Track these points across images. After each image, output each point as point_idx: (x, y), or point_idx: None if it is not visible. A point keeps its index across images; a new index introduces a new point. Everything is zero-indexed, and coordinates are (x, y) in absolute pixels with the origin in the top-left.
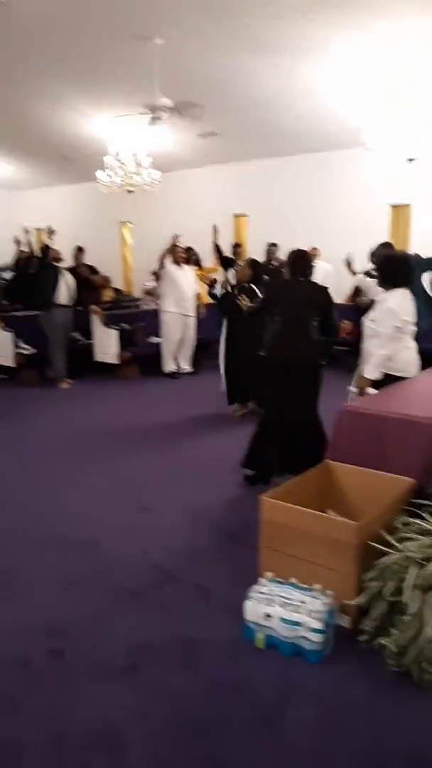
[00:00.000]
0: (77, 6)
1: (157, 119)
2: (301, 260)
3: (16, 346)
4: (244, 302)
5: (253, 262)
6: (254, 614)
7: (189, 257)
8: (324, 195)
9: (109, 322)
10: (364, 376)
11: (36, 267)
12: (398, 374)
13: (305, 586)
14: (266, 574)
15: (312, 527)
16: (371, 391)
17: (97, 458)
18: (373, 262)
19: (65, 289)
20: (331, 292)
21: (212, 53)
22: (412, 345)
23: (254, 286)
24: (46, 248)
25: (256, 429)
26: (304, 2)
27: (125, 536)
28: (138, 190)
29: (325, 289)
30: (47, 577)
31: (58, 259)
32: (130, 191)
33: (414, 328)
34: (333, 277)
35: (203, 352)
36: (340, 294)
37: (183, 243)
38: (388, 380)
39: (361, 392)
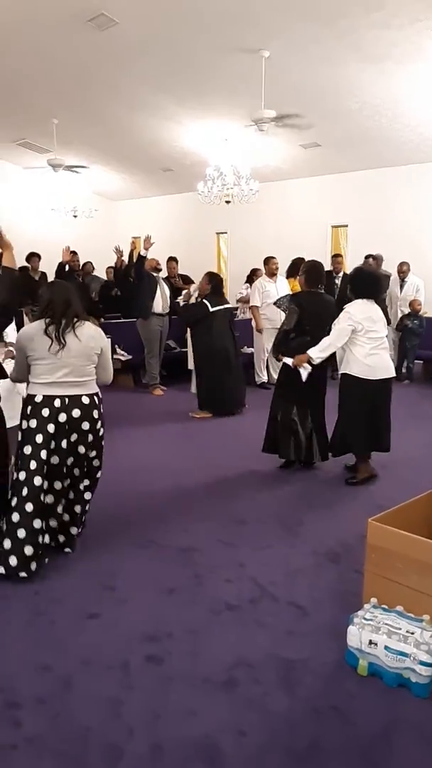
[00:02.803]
0: (184, 22)
1: (262, 130)
2: (315, 271)
3: (114, 353)
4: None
5: (211, 276)
6: (357, 640)
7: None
8: (425, 207)
9: None
10: (309, 354)
11: (135, 276)
12: (360, 375)
13: (412, 615)
14: (371, 600)
15: (420, 554)
16: (305, 372)
17: (191, 465)
18: None
19: (161, 298)
20: (424, 304)
21: (317, 63)
22: (379, 351)
23: (206, 300)
24: (143, 258)
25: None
26: (410, 9)
27: (220, 547)
28: (235, 201)
29: (333, 300)
30: (146, 583)
31: (157, 269)
32: (227, 202)
33: (379, 335)
34: (423, 291)
35: None
36: None
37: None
38: (349, 379)
39: (297, 365)
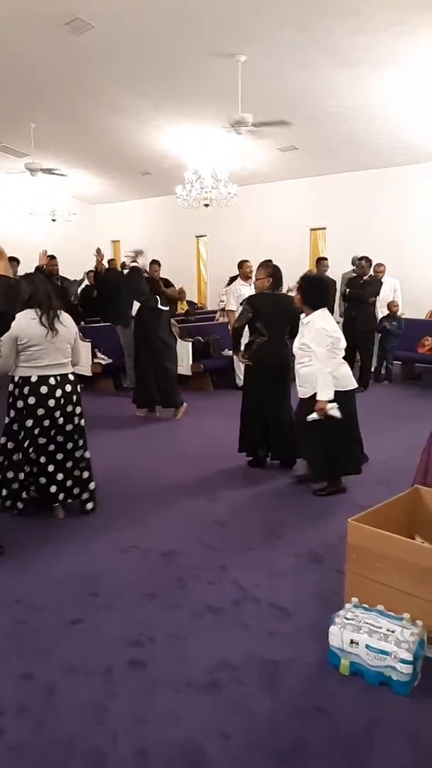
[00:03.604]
0: (161, 26)
1: (240, 134)
2: (278, 273)
3: (94, 356)
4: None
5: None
6: (339, 640)
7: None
8: (401, 209)
9: (183, 335)
10: (322, 399)
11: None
12: (341, 389)
13: (393, 614)
14: (352, 600)
15: (400, 553)
16: (335, 411)
17: (172, 468)
18: None
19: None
20: (401, 305)
21: (293, 68)
22: (344, 361)
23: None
24: (122, 265)
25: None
26: (384, 15)
27: (202, 550)
28: (214, 204)
29: (290, 299)
30: (129, 588)
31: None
32: (206, 205)
33: (344, 344)
34: (401, 292)
35: None
36: (413, 309)
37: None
38: (335, 397)
39: (323, 415)
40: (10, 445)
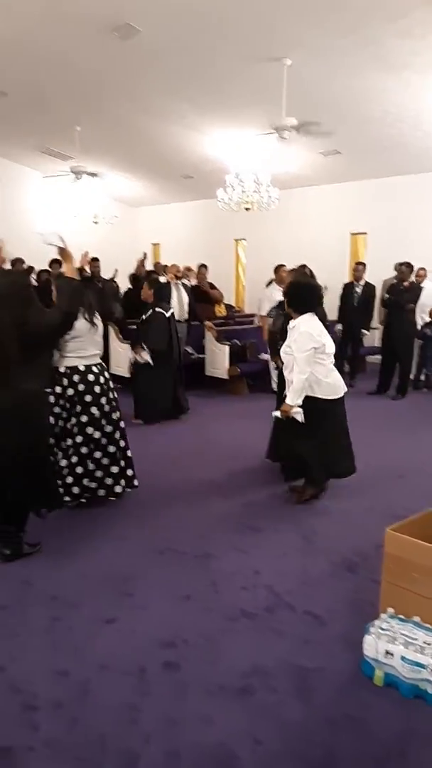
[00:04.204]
0: (207, 31)
1: (283, 138)
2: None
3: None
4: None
5: (152, 282)
6: (374, 650)
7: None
8: None
9: (221, 338)
10: (288, 402)
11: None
12: (328, 397)
13: (429, 626)
14: (387, 610)
15: None
16: (300, 416)
17: (205, 470)
18: None
19: (178, 305)
20: None
21: (338, 72)
22: (333, 367)
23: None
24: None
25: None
26: None
27: (236, 554)
28: (255, 208)
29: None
30: (163, 589)
31: (177, 276)
32: (247, 209)
33: (332, 350)
34: None
35: None
36: None
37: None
38: (319, 403)
39: (286, 417)
40: (62, 443)
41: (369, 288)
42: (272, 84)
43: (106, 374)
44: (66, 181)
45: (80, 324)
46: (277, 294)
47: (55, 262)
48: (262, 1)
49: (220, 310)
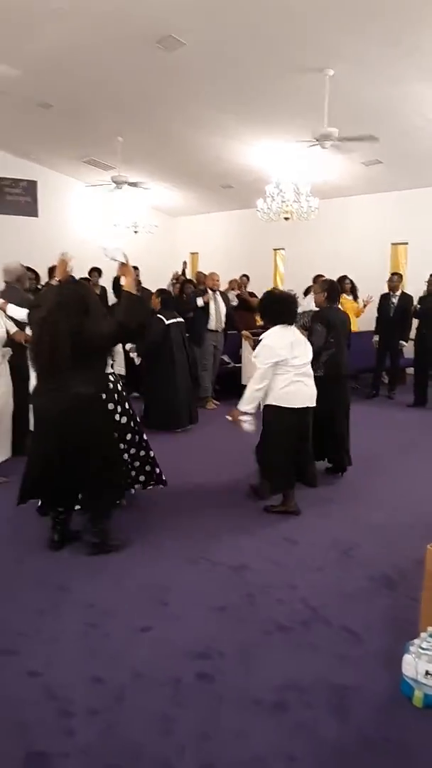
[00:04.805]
0: (250, 43)
1: (325, 148)
2: (336, 290)
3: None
4: None
5: (160, 291)
6: (413, 670)
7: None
8: None
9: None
10: (238, 408)
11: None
12: (281, 404)
13: None
14: (428, 629)
15: None
16: (247, 425)
17: (238, 479)
18: None
19: (215, 314)
20: None
21: (381, 81)
22: (302, 378)
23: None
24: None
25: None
26: None
27: (272, 567)
28: (294, 218)
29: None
30: (198, 599)
31: (212, 288)
32: (286, 218)
33: (301, 362)
34: None
35: (350, 382)
36: None
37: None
38: (277, 412)
39: (234, 422)
40: None
41: (405, 298)
42: (314, 94)
43: (120, 385)
44: (107, 191)
45: None
46: (314, 304)
47: (93, 271)
48: (304, 13)
49: (259, 320)
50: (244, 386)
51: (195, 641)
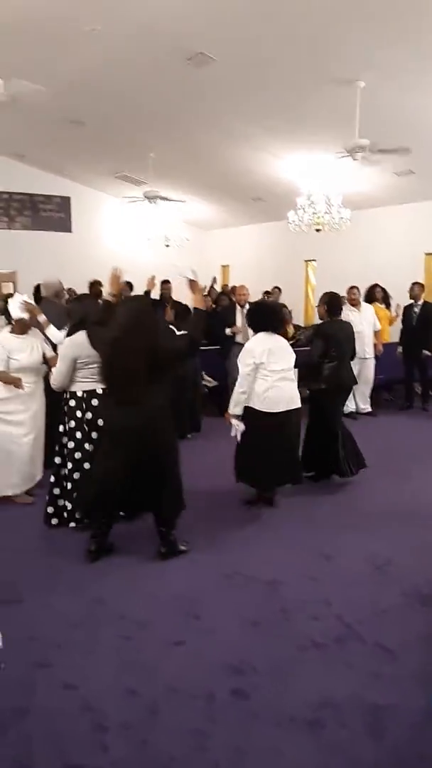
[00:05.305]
0: (280, 57)
1: (356, 159)
2: (336, 301)
3: (201, 378)
4: None
5: (175, 304)
6: None
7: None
8: None
9: None
10: (228, 410)
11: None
12: (263, 409)
13: None
14: None
15: None
16: (237, 424)
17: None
18: None
19: (243, 327)
20: None
21: (412, 92)
22: (280, 384)
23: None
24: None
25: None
26: None
27: (306, 582)
28: (326, 229)
29: (350, 324)
30: (231, 613)
31: (239, 303)
32: (318, 230)
33: (280, 367)
34: None
35: (383, 393)
36: None
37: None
38: (257, 414)
39: (227, 423)
40: (70, 464)
41: (427, 307)
42: (345, 106)
43: None
44: (139, 206)
45: (91, 350)
46: (351, 315)
47: (125, 285)
48: (335, 25)
49: (291, 331)
50: None
51: (228, 656)
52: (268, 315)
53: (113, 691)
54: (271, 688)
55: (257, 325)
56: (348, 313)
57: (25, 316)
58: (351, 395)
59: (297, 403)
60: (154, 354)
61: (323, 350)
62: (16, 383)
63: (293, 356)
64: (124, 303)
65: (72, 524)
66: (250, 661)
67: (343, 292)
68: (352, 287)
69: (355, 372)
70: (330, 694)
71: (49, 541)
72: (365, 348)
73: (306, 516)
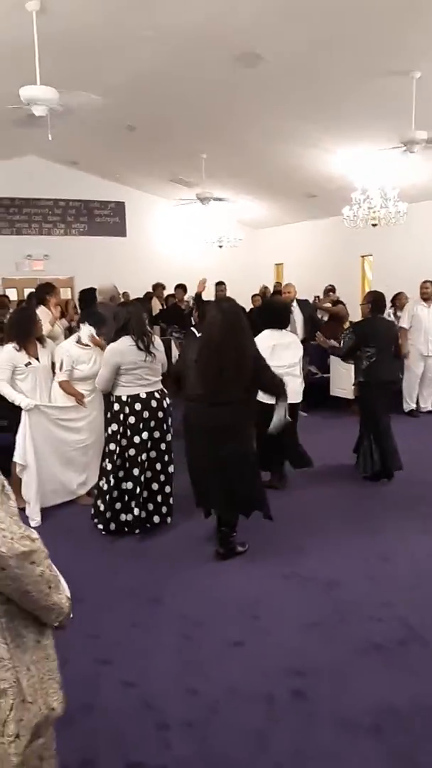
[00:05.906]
0: (331, 51)
1: (413, 152)
2: (381, 301)
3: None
4: None
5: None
6: None
7: None
8: None
9: None
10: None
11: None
12: (264, 401)
13: None
14: None
15: None
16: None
17: (327, 494)
18: None
19: (290, 325)
20: None
21: None
22: (285, 379)
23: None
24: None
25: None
26: None
27: (365, 583)
28: (382, 223)
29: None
30: (289, 614)
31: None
32: (374, 225)
33: (282, 363)
34: None
35: None
36: None
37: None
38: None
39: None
40: (117, 470)
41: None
42: (400, 98)
43: (166, 402)
44: (192, 208)
45: (136, 355)
46: (419, 310)
47: (179, 288)
48: (387, 16)
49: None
50: (333, 397)
51: (287, 657)
52: (275, 313)
53: (174, 690)
54: (330, 691)
55: (265, 322)
56: (418, 307)
57: (91, 344)
58: (416, 394)
59: (297, 398)
60: (243, 355)
61: (351, 346)
62: (79, 399)
63: (299, 352)
64: (218, 307)
65: (111, 526)
66: (308, 663)
67: (400, 287)
68: (426, 281)
69: (420, 370)
70: (391, 699)
71: (104, 541)
72: (429, 346)
73: (359, 516)
